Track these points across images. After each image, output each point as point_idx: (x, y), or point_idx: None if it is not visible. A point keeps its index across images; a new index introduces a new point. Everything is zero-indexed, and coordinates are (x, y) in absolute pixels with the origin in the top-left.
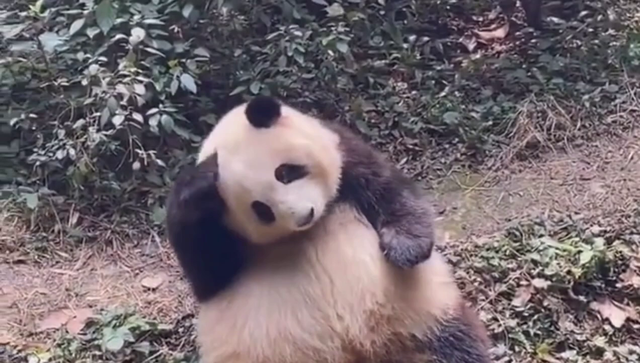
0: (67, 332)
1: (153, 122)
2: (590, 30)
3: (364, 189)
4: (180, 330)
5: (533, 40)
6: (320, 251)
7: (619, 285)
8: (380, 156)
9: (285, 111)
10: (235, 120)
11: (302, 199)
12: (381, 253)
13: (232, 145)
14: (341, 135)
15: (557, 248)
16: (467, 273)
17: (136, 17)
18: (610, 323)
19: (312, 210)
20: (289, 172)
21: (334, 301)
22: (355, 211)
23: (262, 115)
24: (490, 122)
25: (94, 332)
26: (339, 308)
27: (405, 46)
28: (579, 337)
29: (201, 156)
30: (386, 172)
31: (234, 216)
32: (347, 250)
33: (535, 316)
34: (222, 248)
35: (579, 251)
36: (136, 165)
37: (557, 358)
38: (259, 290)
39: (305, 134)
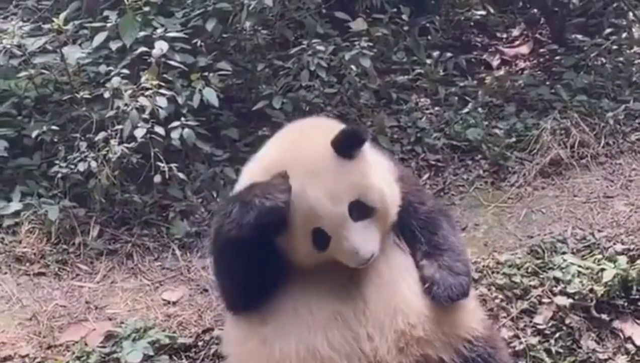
0: (86, 344)
1: (175, 135)
2: (615, 47)
3: (409, 217)
4: (200, 343)
5: (557, 57)
6: (356, 272)
7: None
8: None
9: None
10: (313, 141)
11: (368, 242)
12: (416, 277)
13: (310, 168)
14: (393, 163)
15: (579, 266)
16: (489, 290)
17: (159, 31)
18: (632, 342)
19: (372, 255)
20: (360, 209)
21: (365, 320)
22: (395, 236)
23: (350, 147)
24: (514, 139)
25: (113, 345)
26: (369, 328)
27: (428, 61)
28: (601, 356)
29: (258, 164)
30: (430, 201)
31: (287, 233)
32: (383, 272)
33: (557, 334)
34: (265, 263)
35: (602, 269)
36: (157, 178)
37: None
38: (292, 306)
39: (381, 176)
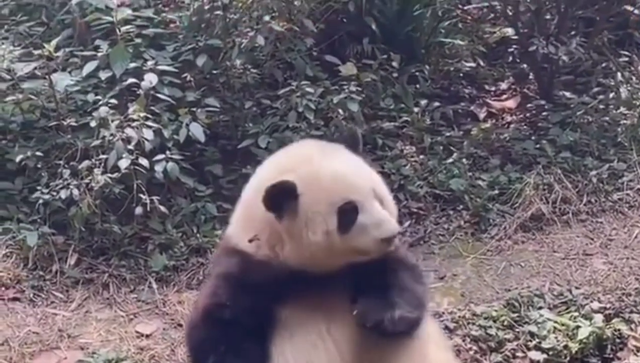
0: None
1: (159, 168)
2: (602, 107)
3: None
4: None
5: (544, 113)
6: (333, 325)
7: None
8: None
9: None
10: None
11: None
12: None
13: (334, 152)
14: None
15: (555, 322)
16: (464, 340)
17: (150, 63)
18: None
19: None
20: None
21: None
22: None
23: None
24: (496, 192)
25: None
26: None
27: (415, 109)
28: None
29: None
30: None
31: (293, 224)
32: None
33: None
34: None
35: (578, 327)
36: (139, 210)
37: None
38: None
39: None
